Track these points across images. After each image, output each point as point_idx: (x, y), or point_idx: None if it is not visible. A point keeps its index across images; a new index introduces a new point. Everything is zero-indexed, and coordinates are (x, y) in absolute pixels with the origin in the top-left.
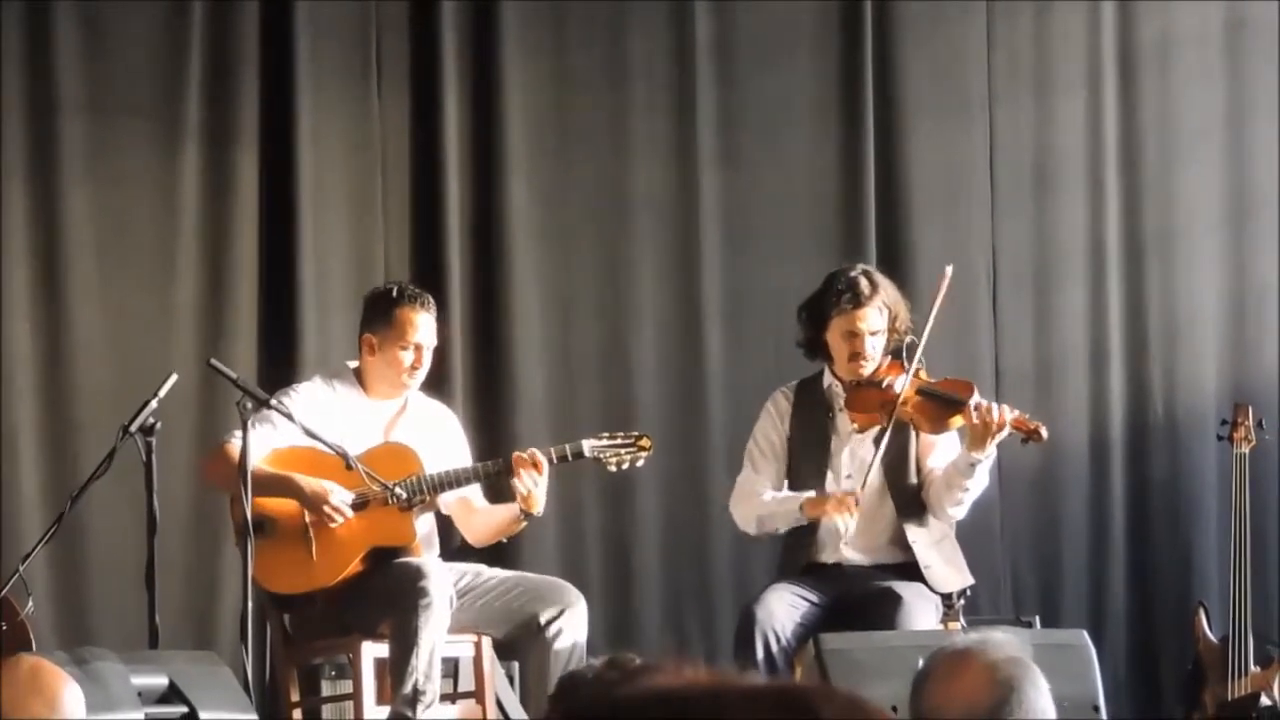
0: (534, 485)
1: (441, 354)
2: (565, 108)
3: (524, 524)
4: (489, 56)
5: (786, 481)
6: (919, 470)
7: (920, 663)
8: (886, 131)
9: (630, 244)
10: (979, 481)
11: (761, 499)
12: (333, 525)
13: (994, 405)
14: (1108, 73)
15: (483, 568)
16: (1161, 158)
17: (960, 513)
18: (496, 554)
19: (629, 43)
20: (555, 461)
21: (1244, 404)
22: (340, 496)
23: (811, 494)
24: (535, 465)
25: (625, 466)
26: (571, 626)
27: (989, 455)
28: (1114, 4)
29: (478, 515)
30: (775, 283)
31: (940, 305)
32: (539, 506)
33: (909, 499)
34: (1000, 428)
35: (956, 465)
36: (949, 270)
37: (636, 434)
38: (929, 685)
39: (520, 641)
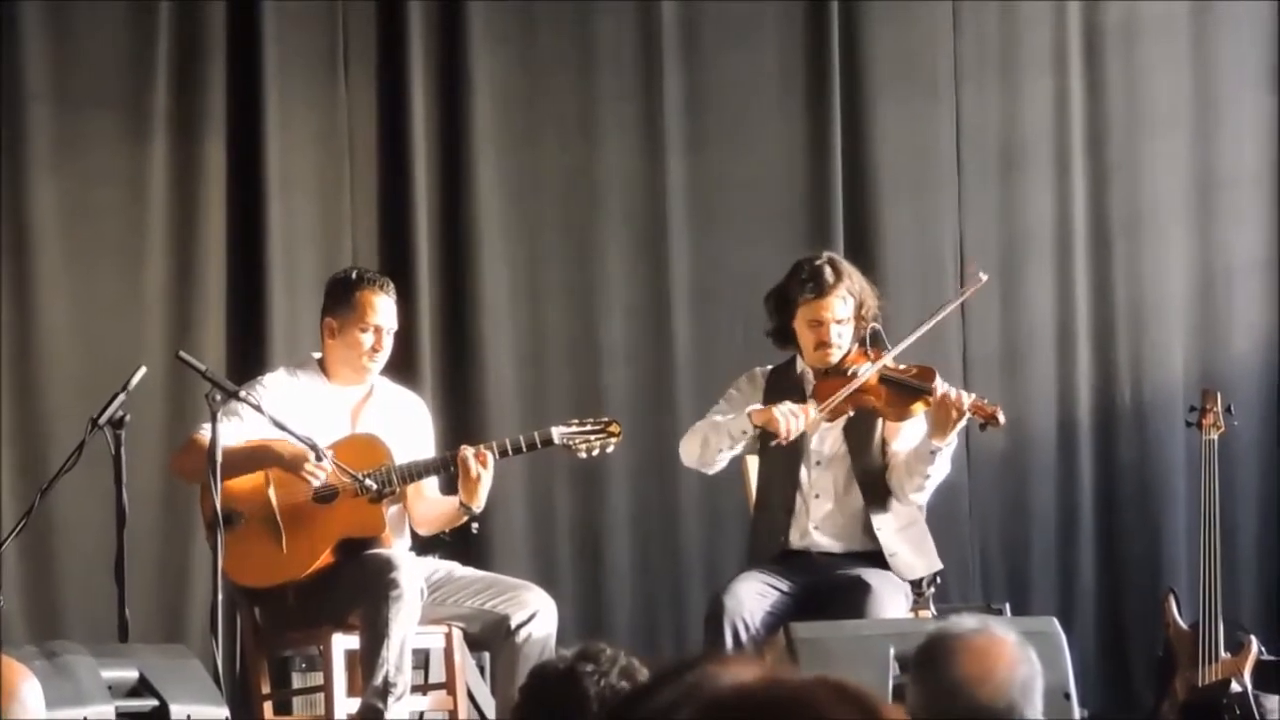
0: (479, 478)
1: (410, 341)
2: (532, 94)
3: (465, 518)
4: (456, 43)
5: (758, 464)
6: (884, 454)
7: (928, 641)
8: (853, 115)
9: (598, 230)
10: (940, 469)
11: (711, 419)
12: (315, 483)
13: (956, 391)
14: (1074, 56)
15: (455, 565)
16: (1128, 141)
17: (922, 498)
18: (469, 549)
19: (595, 29)
20: (525, 449)
21: (1212, 390)
22: (316, 461)
23: (758, 405)
24: (480, 459)
25: (595, 453)
26: (541, 628)
27: (949, 444)
28: None
29: (425, 502)
30: (743, 267)
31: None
32: (480, 501)
33: (875, 486)
34: (961, 414)
35: (918, 452)
36: (983, 277)
37: (606, 419)
38: (957, 659)
39: (491, 642)
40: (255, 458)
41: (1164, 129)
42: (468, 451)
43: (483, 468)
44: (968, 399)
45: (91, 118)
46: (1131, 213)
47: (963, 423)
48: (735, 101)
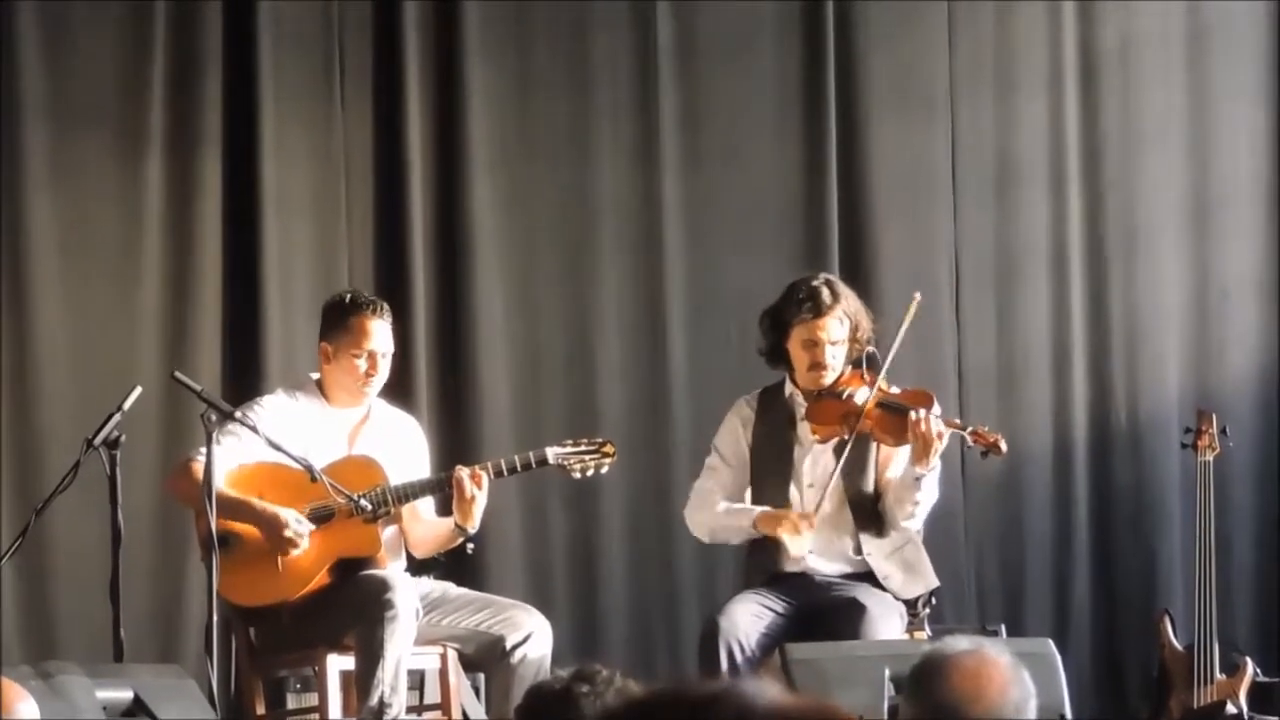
0: (473, 499)
1: (406, 360)
2: (528, 111)
3: (460, 540)
4: (451, 61)
5: (750, 489)
6: (878, 481)
7: (921, 662)
8: (848, 132)
9: (594, 247)
10: (927, 494)
11: (716, 510)
12: (294, 551)
13: (933, 419)
14: (1069, 74)
15: (450, 586)
16: (1123, 158)
17: (915, 524)
18: (464, 568)
19: (591, 45)
20: (520, 469)
21: (1207, 411)
22: (296, 527)
23: (767, 509)
24: (475, 480)
25: (590, 473)
26: (537, 649)
27: (933, 468)
28: (1075, 5)
29: (421, 524)
30: (739, 283)
31: (906, 330)
32: (475, 522)
33: (867, 510)
34: (940, 438)
35: (904, 480)
36: (917, 296)
37: (600, 440)
38: (949, 679)
39: (486, 662)
40: (237, 510)
41: (1159, 146)
42: (463, 472)
43: (478, 488)
44: (946, 430)
45: (87, 136)
46: (1127, 230)
47: (942, 446)
48: (731, 118)
